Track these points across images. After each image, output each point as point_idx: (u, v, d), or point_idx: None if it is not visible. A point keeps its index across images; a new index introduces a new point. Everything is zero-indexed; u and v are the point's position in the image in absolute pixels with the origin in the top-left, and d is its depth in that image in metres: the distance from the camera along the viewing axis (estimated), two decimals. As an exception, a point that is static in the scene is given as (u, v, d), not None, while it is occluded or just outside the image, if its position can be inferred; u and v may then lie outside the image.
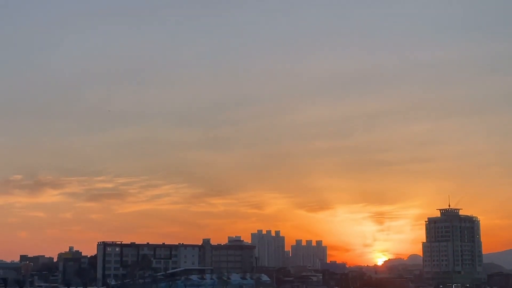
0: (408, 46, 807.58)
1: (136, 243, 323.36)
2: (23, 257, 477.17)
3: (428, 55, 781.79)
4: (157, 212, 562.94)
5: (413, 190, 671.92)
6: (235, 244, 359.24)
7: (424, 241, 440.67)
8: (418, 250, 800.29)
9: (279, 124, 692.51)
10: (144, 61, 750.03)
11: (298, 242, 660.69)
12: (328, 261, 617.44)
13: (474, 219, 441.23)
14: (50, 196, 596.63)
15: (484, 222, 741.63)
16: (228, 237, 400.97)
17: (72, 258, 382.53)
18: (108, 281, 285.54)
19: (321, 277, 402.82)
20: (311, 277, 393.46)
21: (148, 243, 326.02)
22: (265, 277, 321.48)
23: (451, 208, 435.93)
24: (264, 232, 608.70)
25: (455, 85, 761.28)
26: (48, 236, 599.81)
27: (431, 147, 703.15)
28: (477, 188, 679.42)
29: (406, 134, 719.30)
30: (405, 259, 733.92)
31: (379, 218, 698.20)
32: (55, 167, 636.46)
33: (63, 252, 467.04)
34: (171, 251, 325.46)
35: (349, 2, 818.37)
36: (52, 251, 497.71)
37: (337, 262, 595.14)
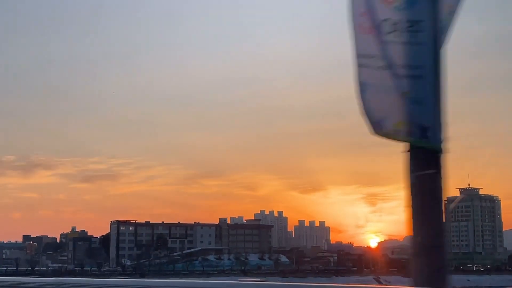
0: None
1: (150, 222, 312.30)
2: (26, 237, 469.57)
3: None
4: (150, 193, 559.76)
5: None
6: (253, 224, 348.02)
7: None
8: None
9: (272, 106, 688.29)
10: (137, 42, 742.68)
11: (301, 222, 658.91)
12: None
13: (494, 198, 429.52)
14: (43, 177, 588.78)
15: None
16: (255, 214, 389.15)
17: (82, 237, 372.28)
18: (122, 261, 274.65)
19: (336, 257, 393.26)
20: (329, 258, 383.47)
21: (163, 222, 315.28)
22: (283, 258, 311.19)
23: (471, 187, 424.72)
24: (267, 212, 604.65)
25: (447, 65, 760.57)
26: (43, 217, 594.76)
27: None
28: (469, 169, 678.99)
29: None
30: (400, 240, 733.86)
31: (371, 199, 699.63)
32: (48, 148, 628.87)
33: (64, 232, 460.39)
34: (186, 230, 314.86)
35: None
36: (50, 232, 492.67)
37: (342, 243, 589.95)
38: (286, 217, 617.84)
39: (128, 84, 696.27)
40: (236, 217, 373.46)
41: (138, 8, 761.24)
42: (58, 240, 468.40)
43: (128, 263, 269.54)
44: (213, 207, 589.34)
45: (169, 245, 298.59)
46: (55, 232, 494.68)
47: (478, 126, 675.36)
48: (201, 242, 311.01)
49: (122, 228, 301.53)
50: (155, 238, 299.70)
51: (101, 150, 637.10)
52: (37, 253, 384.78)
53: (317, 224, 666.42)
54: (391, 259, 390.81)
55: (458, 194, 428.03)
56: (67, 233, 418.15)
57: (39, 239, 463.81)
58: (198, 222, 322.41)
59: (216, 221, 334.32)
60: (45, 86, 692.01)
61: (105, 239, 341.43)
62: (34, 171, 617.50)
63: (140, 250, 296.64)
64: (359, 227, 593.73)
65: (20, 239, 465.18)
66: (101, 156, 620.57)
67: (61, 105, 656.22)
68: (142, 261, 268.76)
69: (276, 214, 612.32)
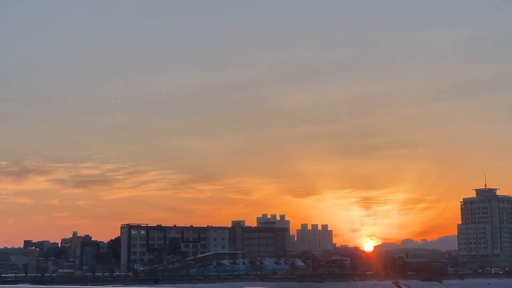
0: (395, 31, 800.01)
1: (162, 225, 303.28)
2: (27, 243, 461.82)
3: (414, 39, 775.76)
4: (144, 198, 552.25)
5: (399, 175, 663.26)
6: (267, 227, 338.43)
7: (459, 222, 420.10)
8: (408, 234, 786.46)
9: (266, 110, 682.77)
10: (129, 47, 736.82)
11: (304, 226, 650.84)
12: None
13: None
14: (36, 183, 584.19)
15: None
16: (257, 218, 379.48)
17: (89, 242, 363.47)
18: (135, 267, 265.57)
19: (349, 261, 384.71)
20: (343, 261, 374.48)
21: (175, 226, 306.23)
22: (299, 262, 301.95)
23: (487, 188, 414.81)
24: (269, 216, 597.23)
25: (441, 69, 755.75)
26: (36, 223, 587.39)
27: (417, 131, 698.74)
28: (463, 172, 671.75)
29: (393, 119, 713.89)
30: (398, 243, 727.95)
31: (366, 203, 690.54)
32: (41, 153, 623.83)
33: (66, 237, 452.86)
34: (199, 234, 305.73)
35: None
36: (46, 237, 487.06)
37: (348, 246, 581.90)
38: (289, 221, 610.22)
39: (120, 90, 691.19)
40: (245, 220, 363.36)
41: (132, 14, 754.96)
42: (59, 245, 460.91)
43: (141, 268, 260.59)
44: (207, 211, 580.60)
45: (182, 249, 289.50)
46: (49, 237, 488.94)
47: (502, 127, 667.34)
48: (215, 246, 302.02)
49: (133, 232, 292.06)
50: (167, 242, 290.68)
51: (94, 155, 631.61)
52: (39, 259, 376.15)
53: (319, 227, 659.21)
54: (407, 262, 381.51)
55: (475, 195, 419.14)
56: (70, 238, 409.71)
57: (40, 244, 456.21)
58: (211, 226, 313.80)
59: (229, 224, 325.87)
60: (37, 91, 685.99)
61: (114, 243, 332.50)
62: (27, 177, 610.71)
63: (152, 254, 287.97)
64: (354, 230, 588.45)
65: (16, 245, 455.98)
66: (94, 161, 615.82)
67: (53, 110, 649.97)
68: (155, 266, 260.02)
69: (278, 218, 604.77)
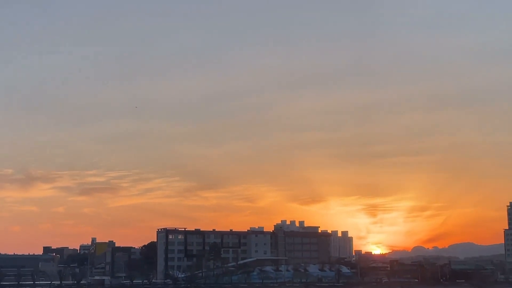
0: (400, 37, 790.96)
1: (201, 229, 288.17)
2: (47, 249, 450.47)
3: (419, 47, 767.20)
4: (149, 206, 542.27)
5: (405, 182, 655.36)
6: (311, 231, 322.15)
7: (506, 227, 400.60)
8: (416, 241, 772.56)
9: (271, 117, 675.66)
10: (134, 54, 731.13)
11: (323, 233, 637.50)
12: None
13: None
14: (41, 190, 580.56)
15: (477, 214, 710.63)
16: (299, 222, 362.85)
17: (120, 248, 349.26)
18: (173, 274, 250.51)
19: (388, 268, 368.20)
20: (385, 268, 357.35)
21: (214, 230, 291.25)
22: (345, 269, 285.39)
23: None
24: (288, 222, 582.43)
25: (446, 77, 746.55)
26: (41, 230, 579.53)
27: (423, 139, 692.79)
28: (469, 179, 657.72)
29: (398, 126, 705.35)
30: (409, 251, 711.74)
31: (372, 210, 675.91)
32: (46, 161, 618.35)
33: (84, 244, 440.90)
34: (240, 238, 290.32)
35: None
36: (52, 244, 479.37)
37: (372, 253, 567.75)
38: (308, 228, 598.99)
39: (125, 97, 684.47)
40: (288, 223, 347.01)
41: (135, 22, 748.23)
42: (79, 251, 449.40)
43: (181, 275, 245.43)
44: (213, 219, 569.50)
45: (222, 254, 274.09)
46: (55, 243, 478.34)
47: (507, 134, 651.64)
48: (256, 251, 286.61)
49: (170, 237, 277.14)
50: (206, 248, 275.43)
51: (99, 163, 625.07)
52: (60, 265, 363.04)
53: (339, 234, 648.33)
54: (454, 270, 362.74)
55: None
56: (93, 244, 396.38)
57: (60, 250, 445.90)
58: (252, 229, 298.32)
59: (271, 228, 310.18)
60: (42, 99, 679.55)
61: (148, 249, 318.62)
62: (32, 184, 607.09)
63: (191, 261, 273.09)
64: (361, 238, 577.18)
65: (35, 251, 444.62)
66: (99, 168, 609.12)
67: (58, 118, 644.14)
68: (196, 272, 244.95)
69: (297, 224, 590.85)
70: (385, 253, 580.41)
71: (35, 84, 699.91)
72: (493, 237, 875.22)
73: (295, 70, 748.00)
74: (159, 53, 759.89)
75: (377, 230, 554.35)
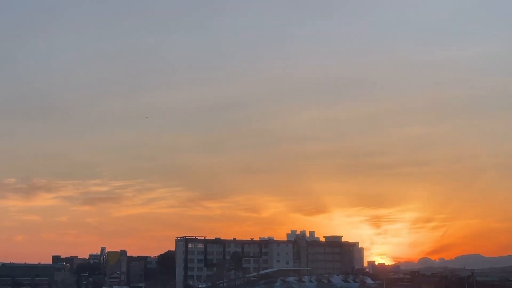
0: (402, 48, 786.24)
1: (221, 238, 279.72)
2: (56, 258, 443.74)
3: (422, 57, 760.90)
4: (153, 215, 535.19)
5: (409, 193, 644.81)
6: (334, 241, 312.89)
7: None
8: (421, 253, 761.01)
9: (274, 127, 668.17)
10: (137, 63, 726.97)
11: (346, 242, 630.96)
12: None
13: None
14: (44, 200, 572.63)
15: (481, 225, 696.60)
16: (309, 232, 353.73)
17: (136, 257, 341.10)
18: (194, 284, 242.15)
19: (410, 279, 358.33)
20: (408, 280, 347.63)
21: (234, 239, 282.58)
22: (369, 280, 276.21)
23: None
24: (298, 232, 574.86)
25: (450, 87, 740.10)
26: (45, 239, 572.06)
27: (427, 150, 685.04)
28: (473, 190, 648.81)
29: (402, 137, 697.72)
30: (415, 262, 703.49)
31: (376, 221, 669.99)
32: (49, 170, 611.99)
33: (93, 253, 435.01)
34: (261, 248, 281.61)
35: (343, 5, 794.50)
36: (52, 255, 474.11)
37: (386, 264, 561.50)
38: (318, 238, 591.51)
39: (129, 107, 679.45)
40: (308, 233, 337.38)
41: (140, 32, 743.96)
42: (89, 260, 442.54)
43: (201, 286, 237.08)
44: (217, 229, 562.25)
45: (243, 264, 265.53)
46: (57, 252, 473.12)
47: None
48: (278, 261, 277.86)
49: (190, 245, 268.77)
50: (227, 257, 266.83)
51: (102, 172, 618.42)
52: (72, 275, 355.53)
53: (360, 245, 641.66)
54: (478, 282, 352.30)
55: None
56: (108, 253, 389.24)
57: (70, 260, 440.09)
58: (274, 239, 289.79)
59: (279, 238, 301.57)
60: (45, 108, 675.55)
61: (164, 258, 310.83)
62: (35, 194, 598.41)
63: (211, 270, 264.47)
64: (365, 249, 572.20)
65: (42, 260, 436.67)
66: (103, 178, 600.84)
67: (61, 127, 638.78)
68: (217, 282, 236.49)
69: (307, 234, 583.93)
70: (392, 264, 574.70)
71: (38, 93, 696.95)
72: (500, 249, 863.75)
73: (299, 80, 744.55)
74: (163, 62, 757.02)
75: (381, 241, 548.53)
